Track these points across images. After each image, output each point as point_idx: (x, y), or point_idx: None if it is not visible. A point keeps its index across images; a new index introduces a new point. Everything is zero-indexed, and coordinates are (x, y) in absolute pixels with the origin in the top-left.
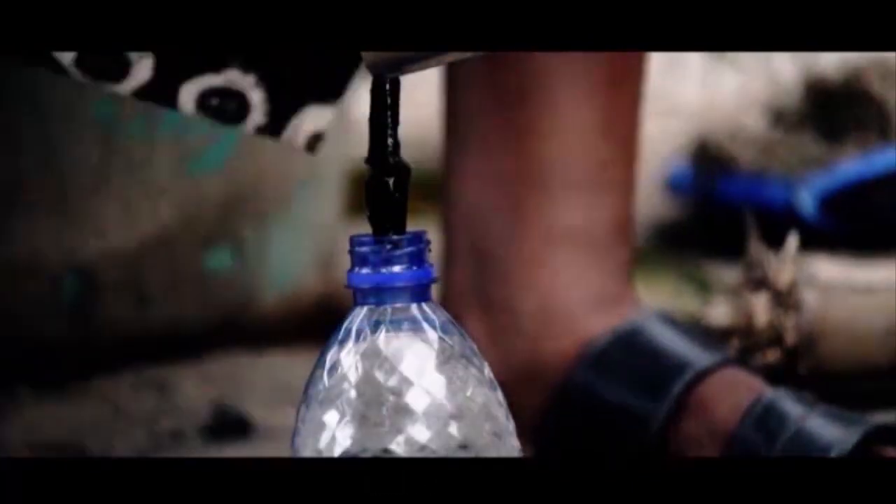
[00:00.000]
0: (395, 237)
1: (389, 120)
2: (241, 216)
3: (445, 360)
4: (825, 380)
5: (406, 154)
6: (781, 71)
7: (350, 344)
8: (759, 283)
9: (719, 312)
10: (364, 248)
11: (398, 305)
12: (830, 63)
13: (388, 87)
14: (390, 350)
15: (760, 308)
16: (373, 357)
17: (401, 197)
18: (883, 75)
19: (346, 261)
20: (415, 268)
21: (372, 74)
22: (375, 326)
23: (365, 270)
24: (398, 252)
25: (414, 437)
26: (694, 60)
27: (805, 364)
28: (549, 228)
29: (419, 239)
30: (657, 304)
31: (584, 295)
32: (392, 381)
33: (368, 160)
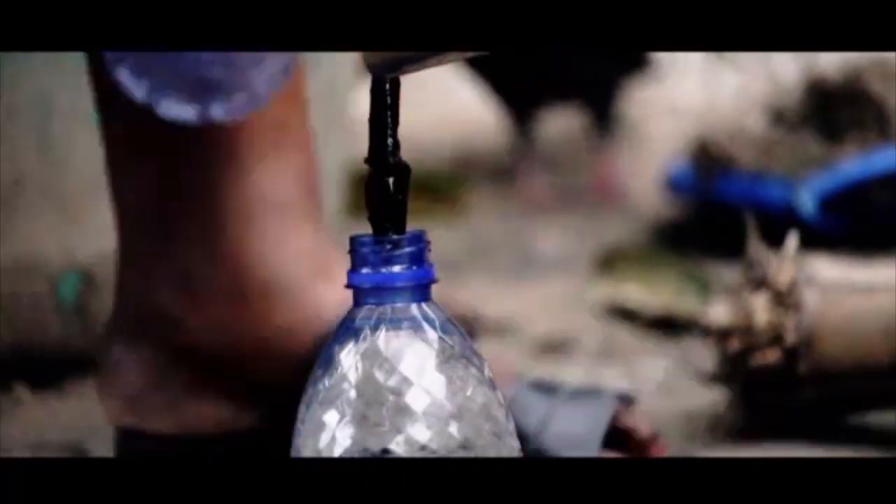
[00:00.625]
0: (395, 237)
1: (389, 120)
2: None
3: (445, 359)
4: (825, 380)
5: (405, 154)
6: (781, 71)
7: (350, 344)
8: (759, 283)
9: (719, 312)
10: (364, 248)
11: (398, 305)
12: (830, 63)
13: (388, 87)
14: (390, 350)
15: (760, 308)
16: (373, 357)
17: (401, 197)
18: (883, 75)
19: (345, 261)
20: (415, 268)
21: (372, 74)
22: (375, 326)
23: (365, 270)
24: (398, 252)
25: (414, 437)
26: (694, 60)
27: (805, 364)
28: (240, 200)
29: (419, 239)
30: (657, 303)
31: (302, 264)
32: (392, 381)
33: (368, 160)
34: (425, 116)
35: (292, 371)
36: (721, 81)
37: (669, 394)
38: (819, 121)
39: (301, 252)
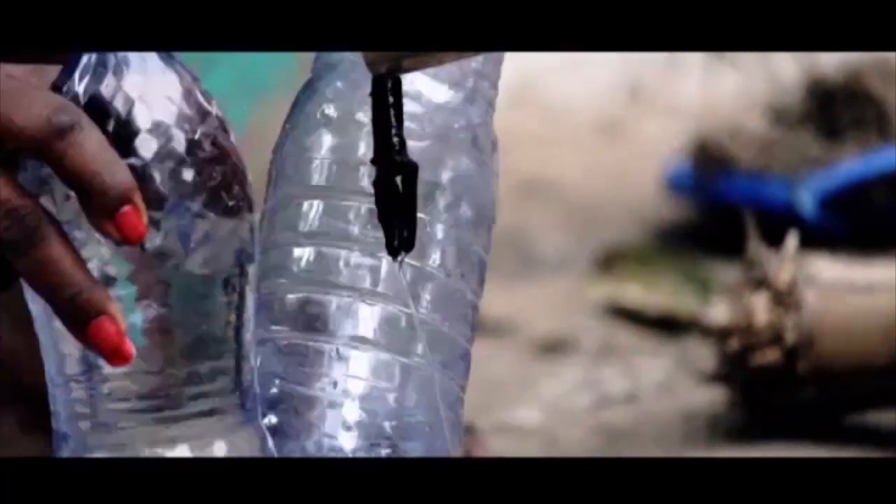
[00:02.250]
0: None
1: (393, 119)
2: None
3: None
4: (825, 379)
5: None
6: (781, 71)
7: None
8: (759, 282)
9: (719, 312)
10: None
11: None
12: (830, 63)
13: (389, 86)
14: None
15: (760, 308)
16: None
17: (410, 195)
18: (883, 75)
19: None
20: None
21: (372, 74)
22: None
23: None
24: None
25: (139, 152)
26: (694, 60)
27: (804, 363)
28: None
29: None
30: (657, 303)
31: None
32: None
33: (375, 160)
34: None
35: None
36: (721, 81)
37: (669, 394)
38: (819, 121)
39: None
